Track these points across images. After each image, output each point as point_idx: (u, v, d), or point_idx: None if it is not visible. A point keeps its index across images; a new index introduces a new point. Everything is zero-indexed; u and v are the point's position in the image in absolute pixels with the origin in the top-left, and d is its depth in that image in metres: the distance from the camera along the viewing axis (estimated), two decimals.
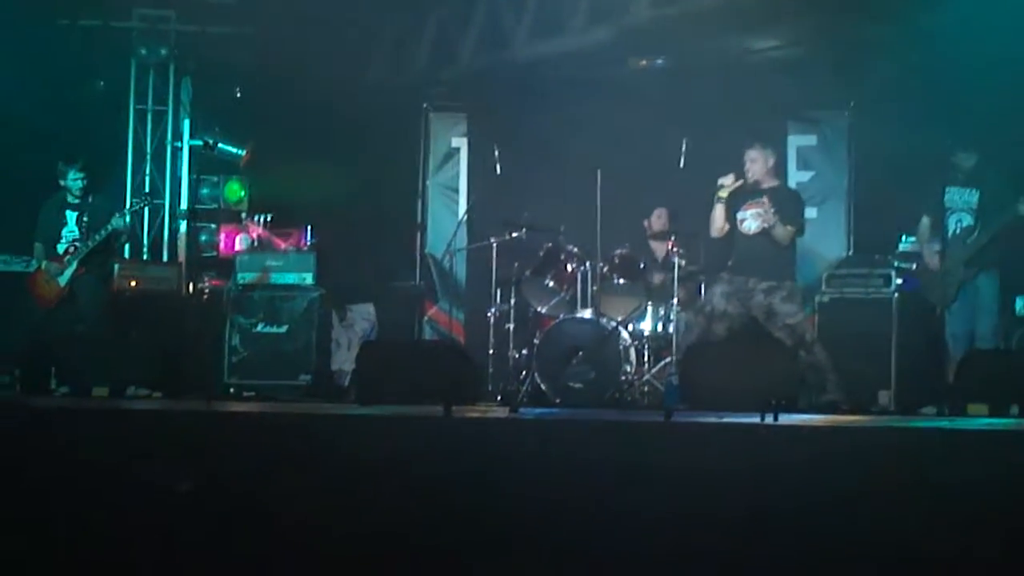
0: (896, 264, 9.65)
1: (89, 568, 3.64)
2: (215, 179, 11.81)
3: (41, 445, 5.61)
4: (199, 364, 9.93)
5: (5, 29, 10.65)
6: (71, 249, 9.86)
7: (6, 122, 10.57)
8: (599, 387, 9.07)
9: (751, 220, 8.98)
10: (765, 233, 8.92)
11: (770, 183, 9.07)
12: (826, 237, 11.25)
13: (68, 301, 9.89)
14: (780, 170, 9.37)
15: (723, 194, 8.97)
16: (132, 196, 11.42)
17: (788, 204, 9.03)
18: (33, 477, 4.86)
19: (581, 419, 7.57)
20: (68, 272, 9.84)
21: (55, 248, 9.93)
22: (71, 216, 9.96)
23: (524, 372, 9.52)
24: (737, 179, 8.91)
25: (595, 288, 9.62)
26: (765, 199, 8.93)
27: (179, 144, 11.88)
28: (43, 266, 9.92)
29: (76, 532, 3.99)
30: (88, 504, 4.33)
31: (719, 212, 9.06)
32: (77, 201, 9.98)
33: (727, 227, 9.08)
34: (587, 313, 9.48)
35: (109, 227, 9.81)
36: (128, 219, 10.08)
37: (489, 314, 10.06)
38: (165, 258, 11.54)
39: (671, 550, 3.82)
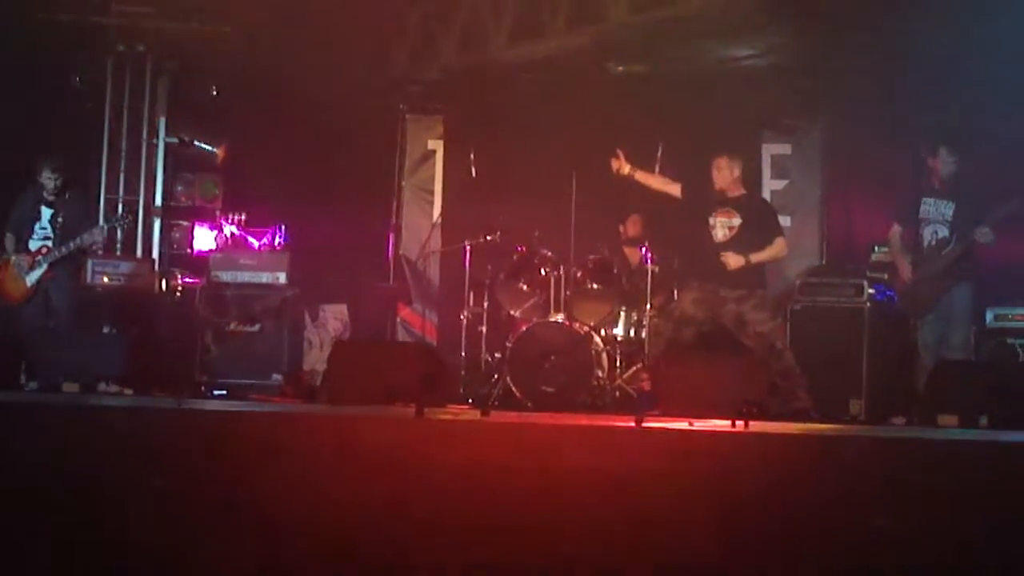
0: (869, 274, 9.69)
1: (53, 564, 3.63)
2: (190, 177, 11.77)
3: (8, 440, 5.59)
4: (171, 361, 9.89)
5: None
6: (43, 250, 9.81)
7: None
8: (571, 391, 9.09)
9: (720, 228, 9.01)
10: (734, 242, 8.96)
11: (736, 192, 9.08)
12: (800, 245, 11.28)
13: (38, 297, 9.84)
14: (749, 180, 9.38)
15: (625, 172, 9.22)
16: (106, 204, 11.37)
17: (755, 221, 9.03)
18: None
19: (552, 423, 7.59)
20: (37, 272, 9.79)
21: (26, 243, 9.88)
22: (46, 212, 9.93)
23: (496, 375, 9.53)
24: (623, 158, 9.13)
25: (568, 293, 9.63)
26: (731, 209, 8.99)
27: (155, 141, 11.82)
28: (13, 260, 9.87)
29: (41, 529, 3.98)
30: (55, 500, 4.32)
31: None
32: (53, 198, 9.95)
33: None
34: (560, 317, 9.49)
35: (58, 250, 9.79)
36: (70, 248, 9.97)
37: (462, 316, 10.09)
38: (139, 254, 11.48)
39: (637, 556, 3.83)
